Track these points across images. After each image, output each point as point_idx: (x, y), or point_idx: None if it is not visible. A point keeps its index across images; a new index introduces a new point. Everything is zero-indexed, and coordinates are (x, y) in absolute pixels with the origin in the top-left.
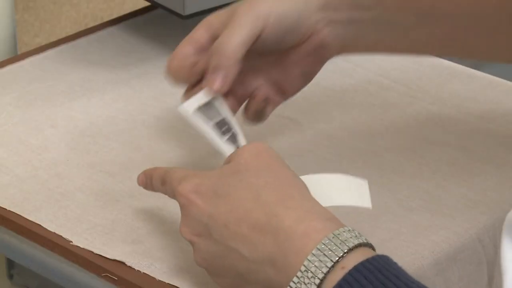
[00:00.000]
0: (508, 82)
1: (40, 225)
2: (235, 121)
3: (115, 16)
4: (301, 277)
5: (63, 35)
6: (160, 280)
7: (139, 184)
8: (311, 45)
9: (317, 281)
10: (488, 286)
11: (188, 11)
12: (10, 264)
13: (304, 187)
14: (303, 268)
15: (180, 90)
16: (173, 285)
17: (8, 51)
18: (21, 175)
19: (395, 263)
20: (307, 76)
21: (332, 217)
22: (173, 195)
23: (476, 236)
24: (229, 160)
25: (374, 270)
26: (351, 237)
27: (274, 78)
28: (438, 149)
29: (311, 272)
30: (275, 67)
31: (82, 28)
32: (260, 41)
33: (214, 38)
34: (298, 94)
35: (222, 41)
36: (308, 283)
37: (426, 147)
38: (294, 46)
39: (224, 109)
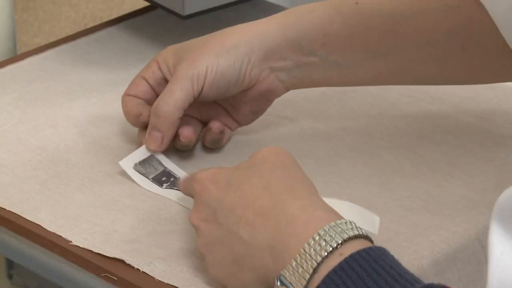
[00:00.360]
0: (507, 83)
1: (39, 225)
2: (176, 168)
3: (114, 16)
4: (299, 260)
5: (62, 35)
6: (159, 280)
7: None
8: (257, 91)
9: (315, 265)
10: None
11: (188, 11)
12: (10, 264)
13: (313, 187)
14: (302, 252)
15: None
16: (173, 285)
17: (8, 51)
18: (20, 175)
19: (392, 255)
20: (257, 113)
21: (336, 212)
22: (192, 186)
23: (476, 236)
24: (249, 157)
25: (370, 259)
26: (351, 228)
27: (227, 112)
28: (438, 149)
29: (309, 256)
30: (226, 104)
31: (82, 28)
32: (202, 96)
33: (158, 86)
34: (298, 94)
35: (159, 104)
36: (306, 266)
37: (426, 147)
38: (240, 92)
39: (164, 160)
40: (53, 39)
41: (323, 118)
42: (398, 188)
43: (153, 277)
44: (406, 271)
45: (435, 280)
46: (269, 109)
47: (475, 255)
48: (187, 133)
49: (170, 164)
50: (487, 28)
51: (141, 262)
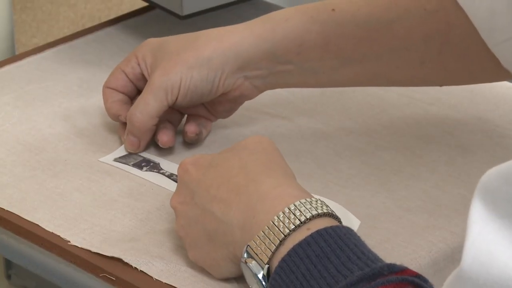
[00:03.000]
0: (507, 83)
1: (38, 225)
2: (156, 157)
3: (112, 16)
4: (267, 232)
5: (60, 35)
6: (157, 280)
7: None
8: (231, 96)
9: (282, 236)
10: None
11: (186, 11)
12: (8, 264)
13: (290, 172)
14: (270, 224)
15: None
16: (171, 285)
17: (6, 51)
18: (19, 175)
19: (358, 236)
20: (232, 111)
21: (308, 193)
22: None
23: None
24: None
25: (335, 236)
26: (321, 206)
27: (205, 106)
28: (436, 149)
29: (277, 228)
30: (201, 106)
31: (80, 28)
32: (176, 104)
33: (137, 80)
34: (297, 94)
35: (134, 114)
36: (272, 238)
37: (424, 147)
38: (214, 98)
39: (143, 153)
40: (51, 39)
41: (321, 118)
42: (397, 188)
43: (151, 277)
44: (369, 251)
45: (433, 280)
46: (268, 109)
47: None
48: (166, 139)
49: (149, 155)
50: (466, 32)
51: (139, 261)
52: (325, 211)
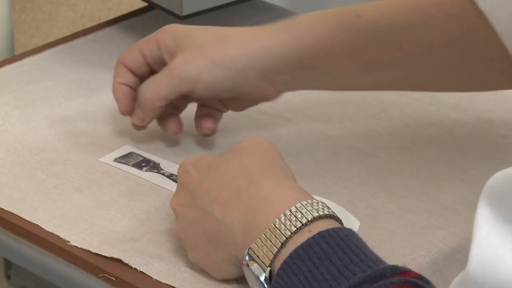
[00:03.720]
0: None
1: (37, 225)
2: (156, 157)
3: (112, 16)
4: (268, 235)
5: (60, 35)
6: (157, 280)
7: None
8: (251, 96)
9: (283, 239)
10: None
11: (186, 11)
12: (8, 264)
13: (290, 173)
14: (272, 226)
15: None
16: (170, 285)
17: (6, 51)
18: (18, 175)
19: (359, 237)
20: (246, 108)
21: (309, 194)
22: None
23: None
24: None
25: (337, 238)
26: (323, 208)
27: (216, 103)
28: (436, 149)
29: (279, 230)
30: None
31: (80, 28)
32: (190, 96)
33: (154, 63)
34: (297, 94)
35: (144, 90)
36: (274, 240)
37: (424, 147)
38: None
39: (143, 153)
40: (51, 39)
41: (321, 118)
42: (396, 188)
43: (151, 277)
44: (372, 252)
45: (433, 280)
46: (267, 109)
47: None
48: (175, 127)
49: (149, 155)
50: (488, 36)
51: (138, 262)
52: (326, 212)
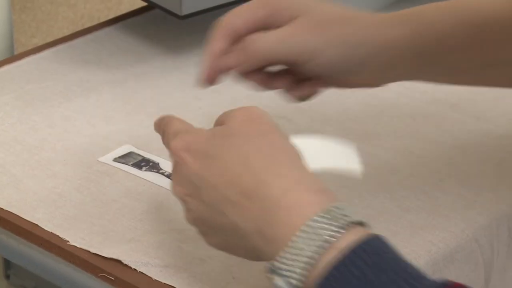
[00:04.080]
0: None
1: (37, 225)
2: (156, 157)
3: (112, 16)
4: (288, 252)
5: (60, 35)
6: (156, 280)
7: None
8: (362, 82)
9: (305, 259)
10: (485, 286)
11: (185, 11)
12: (7, 264)
13: (295, 154)
14: (290, 244)
15: (175, 91)
16: (170, 285)
17: (5, 51)
18: (18, 175)
19: (392, 246)
20: (348, 88)
21: (321, 189)
22: (168, 149)
23: (473, 236)
24: (222, 121)
25: (371, 253)
26: (341, 215)
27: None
28: (435, 149)
29: (297, 249)
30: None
31: (79, 28)
32: (294, 65)
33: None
34: None
35: (257, 41)
36: (295, 260)
37: (423, 147)
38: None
39: (142, 153)
40: (50, 39)
41: (320, 118)
42: (396, 188)
43: (151, 277)
44: (409, 265)
45: None
46: (267, 109)
47: (472, 255)
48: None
49: (149, 155)
50: None
51: (138, 262)
52: (348, 221)
